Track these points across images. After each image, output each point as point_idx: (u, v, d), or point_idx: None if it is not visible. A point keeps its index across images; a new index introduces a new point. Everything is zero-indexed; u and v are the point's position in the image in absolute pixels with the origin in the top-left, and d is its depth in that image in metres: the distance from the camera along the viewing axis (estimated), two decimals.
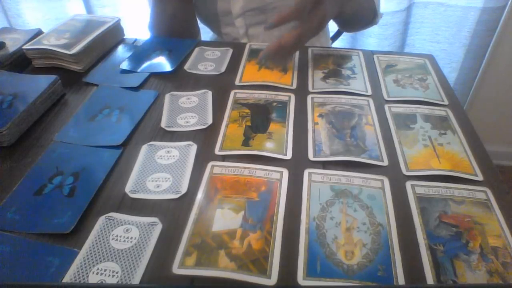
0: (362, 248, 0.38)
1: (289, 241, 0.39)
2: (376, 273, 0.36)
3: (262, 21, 0.79)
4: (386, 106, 0.57)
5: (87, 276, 0.35)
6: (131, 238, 0.39)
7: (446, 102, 0.58)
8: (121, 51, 0.72)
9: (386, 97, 0.59)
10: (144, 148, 0.50)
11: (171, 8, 0.76)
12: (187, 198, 0.43)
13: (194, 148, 0.49)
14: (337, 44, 1.16)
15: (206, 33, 0.92)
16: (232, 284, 0.35)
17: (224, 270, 0.36)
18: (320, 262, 0.37)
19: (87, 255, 0.37)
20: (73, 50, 0.64)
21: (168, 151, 0.49)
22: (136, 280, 0.35)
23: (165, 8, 0.76)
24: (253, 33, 0.81)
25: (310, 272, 0.36)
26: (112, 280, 0.35)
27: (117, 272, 0.36)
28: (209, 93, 0.60)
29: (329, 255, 0.37)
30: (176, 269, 0.36)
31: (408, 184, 0.45)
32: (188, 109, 0.56)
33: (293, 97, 0.59)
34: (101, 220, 0.40)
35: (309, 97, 0.59)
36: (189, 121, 0.54)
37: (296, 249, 0.38)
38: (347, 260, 0.37)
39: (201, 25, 0.87)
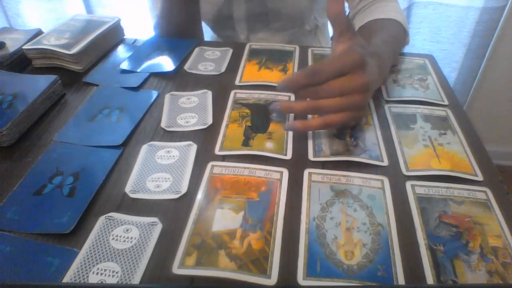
0: (362, 248, 0.38)
1: (289, 241, 0.39)
2: (376, 273, 0.36)
3: (264, 27, 0.79)
4: (386, 106, 0.57)
5: (87, 276, 0.35)
6: (131, 238, 0.39)
7: (446, 102, 0.58)
8: (121, 51, 0.72)
9: (386, 97, 0.59)
10: (144, 148, 0.50)
11: (178, 7, 0.75)
12: (187, 198, 0.43)
13: (194, 148, 0.49)
14: None
15: (205, 33, 0.92)
16: (232, 284, 0.35)
17: (224, 270, 0.36)
18: (320, 262, 0.37)
19: (87, 255, 0.37)
20: (73, 50, 0.64)
21: (168, 151, 0.49)
22: (136, 280, 0.35)
23: (172, 7, 0.75)
24: (255, 38, 0.81)
25: (310, 272, 0.36)
26: (112, 280, 0.35)
27: (117, 272, 0.36)
28: (209, 93, 0.60)
29: (329, 255, 0.37)
30: (176, 269, 0.36)
31: (408, 184, 0.45)
32: (188, 109, 0.56)
33: (293, 97, 0.59)
34: (101, 220, 0.40)
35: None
36: (189, 121, 0.54)
37: (296, 249, 0.38)
38: (347, 260, 0.37)
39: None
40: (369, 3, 0.71)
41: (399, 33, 0.65)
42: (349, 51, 0.45)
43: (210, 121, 0.54)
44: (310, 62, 0.68)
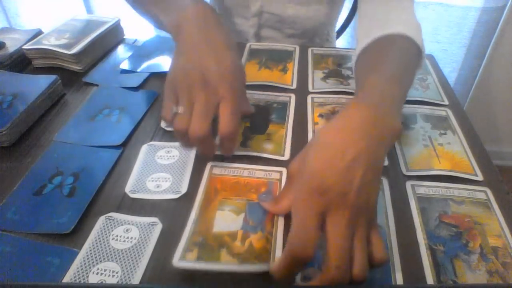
0: None
1: None
2: (374, 274, 0.36)
3: (277, 28, 0.78)
4: None
5: (87, 276, 0.35)
6: (131, 238, 0.39)
7: (446, 102, 0.59)
8: (121, 51, 0.72)
9: None
10: (144, 148, 0.50)
11: None
12: (187, 198, 0.43)
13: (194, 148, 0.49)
14: (337, 44, 1.16)
15: None
16: (233, 280, 0.35)
17: (226, 263, 0.36)
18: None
19: (87, 255, 0.37)
20: (73, 50, 0.64)
21: (168, 151, 0.49)
22: (136, 280, 0.35)
23: None
24: (264, 35, 0.80)
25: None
26: (112, 280, 0.35)
27: (117, 272, 0.36)
28: None
29: None
30: (177, 262, 0.35)
31: (408, 184, 0.45)
32: None
33: (293, 97, 0.59)
34: (101, 220, 0.40)
35: (309, 97, 0.59)
36: None
37: None
38: None
39: None
40: (382, 11, 0.55)
41: (409, 62, 0.48)
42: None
43: None
44: (310, 62, 0.68)
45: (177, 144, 0.50)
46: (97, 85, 0.62)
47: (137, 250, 0.38)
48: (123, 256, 0.37)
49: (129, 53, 0.70)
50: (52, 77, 0.58)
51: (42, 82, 0.57)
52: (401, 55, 0.48)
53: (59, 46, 0.65)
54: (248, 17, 0.77)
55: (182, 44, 0.45)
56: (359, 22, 0.60)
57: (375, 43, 0.50)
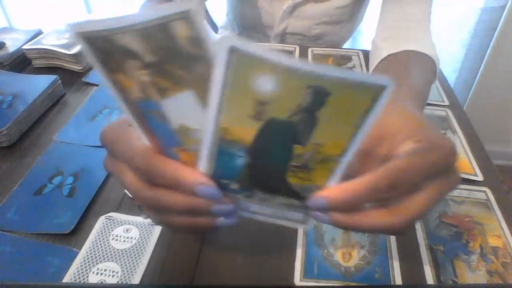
0: (360, 250, 0.38)
1: (287, 242, 0.39)
2: (373, 275, 0.36)
3: (298, 44, 0.78)
4: None
5: (87, 276, 0.35)
6: (131, 238, 0.39)
7: (446, 102, 0.58)
8: None
9: None
10: None
11: None
12: None
13: None
14: None
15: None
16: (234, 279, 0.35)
17: None
18: (318, 263, 0.37)
19: (87, 255, 0.37)
20: (73, 50, 0.64)
21: None
22: (136, 280, 0.35)
23: None
24: (284, 43, 0.80)
25: (307, 273, 0.36)
26: (112, 280, 0.35)
27: (117, 272, 0.36)
28: None
29: (326, 257, 0.37)
30: None
31: None
32: None
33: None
34: (101, 220, 0.40)
35: None
36: None
37: (294, 250, 0.38)
38: (344, 262, 0.37)
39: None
40: (403, 26, 0.57)
41: (432, 77, 0.52)
42: (436, 142, 0.25)
43: None
44: (310, 62, 0.68)
45: None
46: (97, 85, 0.62)
47: (137, 250, 0.38)
48: (123, 256, 0.37)
49: None
50: (52, 77, 0.58)
51: (42, 82, 0.57)
52: (423, 72, 0.49)
53: (59, 46, 0.65)
54: (269, 35, 0.77)
55: None
56: (381, 18, 0.63)
57: (404, 54, 0.51)
